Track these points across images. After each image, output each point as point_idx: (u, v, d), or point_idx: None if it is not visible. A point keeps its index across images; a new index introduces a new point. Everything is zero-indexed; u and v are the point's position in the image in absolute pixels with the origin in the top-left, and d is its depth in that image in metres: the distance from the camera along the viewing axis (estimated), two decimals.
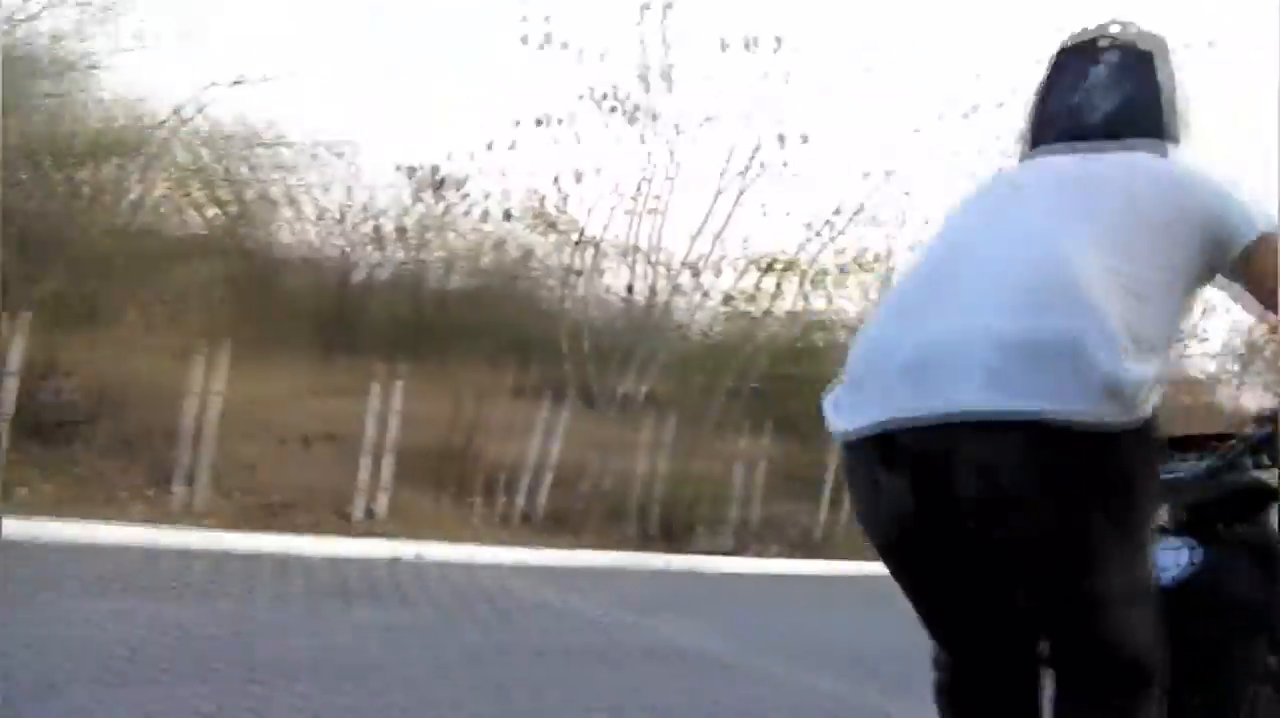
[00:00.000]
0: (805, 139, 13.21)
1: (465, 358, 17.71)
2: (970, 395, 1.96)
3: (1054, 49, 2.43)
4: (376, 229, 17.45)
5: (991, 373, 1.95)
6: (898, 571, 2.26)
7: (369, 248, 17.71)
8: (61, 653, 5.43)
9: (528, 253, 17.28)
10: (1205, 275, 2.21)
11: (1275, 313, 2.19)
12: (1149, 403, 1.99)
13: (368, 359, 10.93)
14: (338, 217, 17.66)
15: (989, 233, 2.19)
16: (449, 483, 11.32)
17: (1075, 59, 2.39)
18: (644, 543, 12.15)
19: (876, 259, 15.72)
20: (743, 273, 14.79)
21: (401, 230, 17.51)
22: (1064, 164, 2.29)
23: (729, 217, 13.19)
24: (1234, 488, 2.40)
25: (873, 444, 2.09)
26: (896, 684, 7.06)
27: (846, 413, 2.15)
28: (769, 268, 15.08)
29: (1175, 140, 2.31)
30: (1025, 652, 2.26)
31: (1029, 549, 2.08)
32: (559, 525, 11.78)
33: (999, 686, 2.29)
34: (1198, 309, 10.44)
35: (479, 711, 5.49)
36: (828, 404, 2.23)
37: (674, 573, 11.35)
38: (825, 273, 15.15)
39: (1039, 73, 2.44)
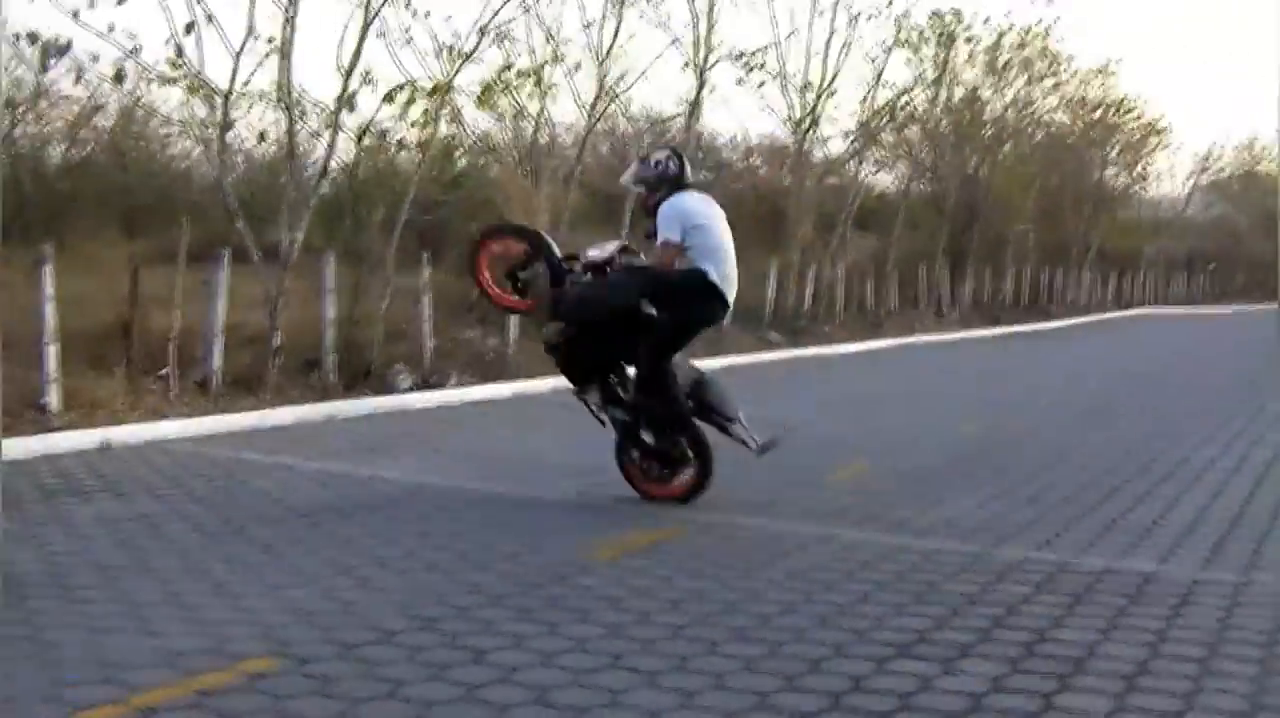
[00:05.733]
0: None
1: (103, 232, 16.76)
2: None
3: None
4: (8, 103, 15.92)
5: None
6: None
7: None
8: None
9: (148, 112, 16.38)
10: None
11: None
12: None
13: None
14: None
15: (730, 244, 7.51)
16: (118, 363, 10.98)
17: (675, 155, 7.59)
18: (326, 393, 12.25)
19: (520, 74, 15.70)
20: (379, 107, 14.52)
21: (13, 104, 16.09)
22: (713, 204, 7.64)
23: (357, 51, 12.94)
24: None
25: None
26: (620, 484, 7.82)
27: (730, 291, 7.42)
28: (398, 96, 14.76)
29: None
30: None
31: None
32: (241, 388, 11.72)
33: None
34: None
35: (278, 580, 5.69)
36: (717, 280, 7.33)
37: (365, 418, 11.63)
38: (489, 89, 15.08)
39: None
